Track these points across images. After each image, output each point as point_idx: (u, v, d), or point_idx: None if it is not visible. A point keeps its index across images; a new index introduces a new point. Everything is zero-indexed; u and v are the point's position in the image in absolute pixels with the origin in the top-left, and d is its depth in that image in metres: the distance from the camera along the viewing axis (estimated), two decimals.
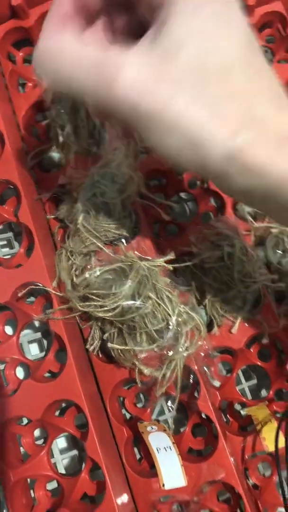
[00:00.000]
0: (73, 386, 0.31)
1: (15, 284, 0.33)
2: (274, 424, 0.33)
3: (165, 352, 0.32)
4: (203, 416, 0.34)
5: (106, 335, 0.34)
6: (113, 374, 0.34)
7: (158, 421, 0.33)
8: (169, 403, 0.36)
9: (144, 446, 0.32)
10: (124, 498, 0.30)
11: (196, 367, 0.33)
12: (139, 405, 0.37)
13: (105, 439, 0.32)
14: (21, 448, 0.33)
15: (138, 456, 0.35)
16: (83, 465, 0.32)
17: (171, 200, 0.41)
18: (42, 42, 0.22)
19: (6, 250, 0.40)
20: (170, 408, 0.36)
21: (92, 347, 0.35)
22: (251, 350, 0.37)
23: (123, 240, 0.35)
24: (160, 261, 0.34)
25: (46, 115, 0.40)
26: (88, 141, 0.38)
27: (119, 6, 0.24)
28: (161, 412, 0.38)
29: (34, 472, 0.31)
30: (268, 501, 0.34)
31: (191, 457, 0.33)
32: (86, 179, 0.35)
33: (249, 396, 0.38)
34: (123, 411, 0.36)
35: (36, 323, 0.39)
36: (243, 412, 0.37)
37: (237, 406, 0.37)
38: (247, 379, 0.39)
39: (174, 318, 0.32)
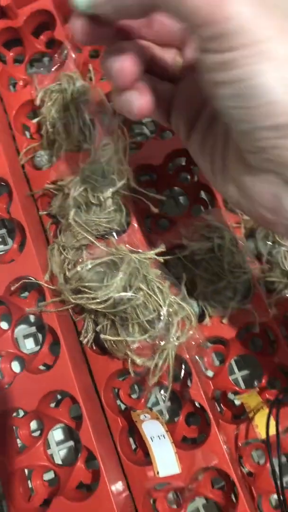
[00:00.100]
0: (67, 377, 0.31)
1: (8, 278, 0.34)
2: (266, 411, 0.34)
3: (157, 342, 0.33)
4: (197, 405, 0.35)
5: (99, 327, 0.34)
6: (107, 366, 0.35)
7: (150, 409, 0.33)
8: (162, 392, 0.36)
9: (139, 435, 0.33)
10: (119, 485, 0.31)
11: (187, 356, 0.34)
12: (134, 396, 0.37)
13: (99, 428, 0.32)
14: (18, 440, 0.34)
15: (133, 446, 0.36)
16: (79, 455, 0.32)
17: (162, 194, 0.42)
18: None
19: (0, 246, 0.40)
20: (163, 397, 0.37)
21: (86, 340, 0.35)
22: (243, 340, 0.38)
23: (114, 234, 0.36)
24: (151, 253, 0.35)
25: (37, 113, 0.41)
26: (79, 138, 0.39)
27: None
28: (156, 403, 0.38)
29: (31, 462, 0.32)
30: (261, 487, 0.34)
31: (184, 445, 0.34)
32: (77, 175, 0.36)
33: (242, 386, 0.39)
34: (118, 402, 0.36)
35: (32, 318, 0.40)
36: (237, 402, 0.37)
37: (231, 396, 0.38)
38: (240, 368, 0.39)
39: (165, 309, 0.33)
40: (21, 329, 0.39)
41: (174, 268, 0.38)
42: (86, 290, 0.33)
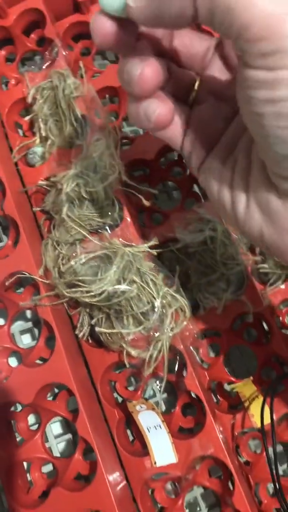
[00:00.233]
0: (63, 369, 0.32)
1: (3, 274, 0.34)
2: (262, 400, 0.34)
3: (151, 334, 0.33)
4: (193, 396, 0.35)
5: (94, 320, 0.34)
6: (103, 358, 0.35)
7: (146, 399, 0.34)
8: (158, 382, 0.37)
9: (136, 427, 0.33)
10: (116, 475, 0.31)
11: (182, 347, 0.34)
12: (131, 388, 0.37)
13: (96, 420, 0.33)
14: (16, 434, 0.34)
15: (131, 438, 0.36)
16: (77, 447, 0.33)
17: (156, 189, 0.42)
18: None
19: None
20: (159, 387, 0.37)
21: (81, 333, 0.36)
22: (237, 330, 0.38)
23: (107, 228, 0.36)
24: (144, 246, 0.35)
25: (29, 111, 0.42)
26: (71, 134, 0.39)
27: None
28: (153, 395, 0.39)
29: (29, 455, 0.32)
30: (258, 476, 0.35)
31: (181, 435, 0.34)
32: (69, 171, 0.36)
33: (238, 376, 0.39)
34: (115, 394, 0.37)
35: (28, 314, 0.40)
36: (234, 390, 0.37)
37: (227, 387, 0.38)
38: (235, 358, 0.40)
39: (158, 301, 0.33)
40: (18, 325, 0.39)
41: (168, 261, 0.38)
42: (80, 284, 0.33)
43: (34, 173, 0.39)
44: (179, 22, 0.18)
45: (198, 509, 0.36)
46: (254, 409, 0.35)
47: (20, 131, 0.43)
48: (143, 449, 0.34)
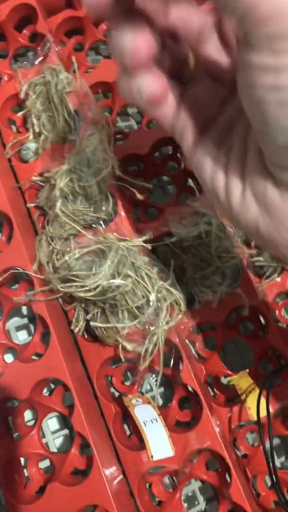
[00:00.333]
0: (58, 364, 0.32)
1: None
2: (258, 393, 0.34)
3: (146, 328, 0.33)
4: (190, 389, 0.35)
5: (89, 315, 0.34)
6: (98, 353, 0.35)
7: (142, 393, 0.34)
8: (154, 376, 0.37)
9: (133, 422, 0.33)
10: (112, 469, 0.31)
11: (177, 340, 0.34)
12: (127, 383, 0.37)
13: (92, 415, 0.33)
14: (13, 430, 0.34)
15: (128, 433, 0.36)
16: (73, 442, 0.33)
17: (150, 183, 0.42)
18: None
19: None
20: (155, 381, 0.37)
21: (77, 329, 0.36)
22: (233, 324, 0.38)
23: (102, 223, 0.36)
24: (139, 241, 0.35)
25: (22, 107, 0.41)
26: (64, 129, 0.39)
27: None
28: (150, 390, 0.38)
29: (26, 450, 0.32)
30: (256, 469, 0.35)
31: (178, 428, 0.34)
32: (63, 166, 0.36)
33: (234, 369, 0.39)
34: (112, 389, 0.37)
35: (24, 310, 0.40)
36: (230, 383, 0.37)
37: (224, 381, 0.38)
38: (231, 352, 0.40)
39: (153, 294, 0.33)
40: (14, 321, 0.39)
41: (163, 255, 0.38)
42: (75, 278, 0.33)
43: (28, 169, 0.39)
44: None
45: (196, 502, 0.36)
46: (251, 402, 0.35)
47: (14, 127, 0.43)
48: (140, 443, 0.34)
